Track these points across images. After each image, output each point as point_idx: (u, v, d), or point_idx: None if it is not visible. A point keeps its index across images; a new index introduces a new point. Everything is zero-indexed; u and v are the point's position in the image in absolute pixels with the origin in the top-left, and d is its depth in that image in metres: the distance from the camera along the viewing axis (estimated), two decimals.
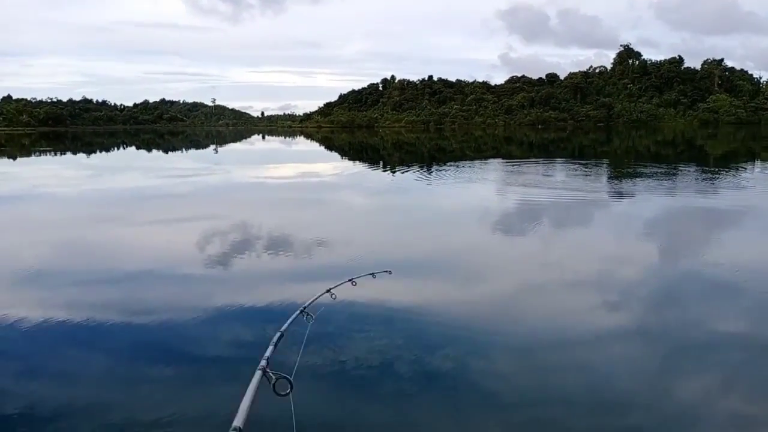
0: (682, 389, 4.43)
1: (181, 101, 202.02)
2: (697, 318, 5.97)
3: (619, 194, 16.05)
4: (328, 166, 27.24)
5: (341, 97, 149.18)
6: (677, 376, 4.63)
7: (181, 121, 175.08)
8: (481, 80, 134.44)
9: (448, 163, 27.00)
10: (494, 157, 32.91)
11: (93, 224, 12.45)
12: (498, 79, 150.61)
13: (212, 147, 54.87)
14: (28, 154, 42.51)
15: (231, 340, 5.62)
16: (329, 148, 51.61)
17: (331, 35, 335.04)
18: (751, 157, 31.09)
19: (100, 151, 47.09)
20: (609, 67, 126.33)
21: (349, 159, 35.40)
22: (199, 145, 60.70)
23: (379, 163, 30.96)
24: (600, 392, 4.40)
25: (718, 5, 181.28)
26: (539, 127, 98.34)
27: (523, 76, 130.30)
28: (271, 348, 2.24)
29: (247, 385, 1.90)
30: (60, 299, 6.94)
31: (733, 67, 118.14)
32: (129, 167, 30.64)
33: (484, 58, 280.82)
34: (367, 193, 17.31)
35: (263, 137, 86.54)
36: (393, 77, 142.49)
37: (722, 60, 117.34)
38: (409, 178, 21.44)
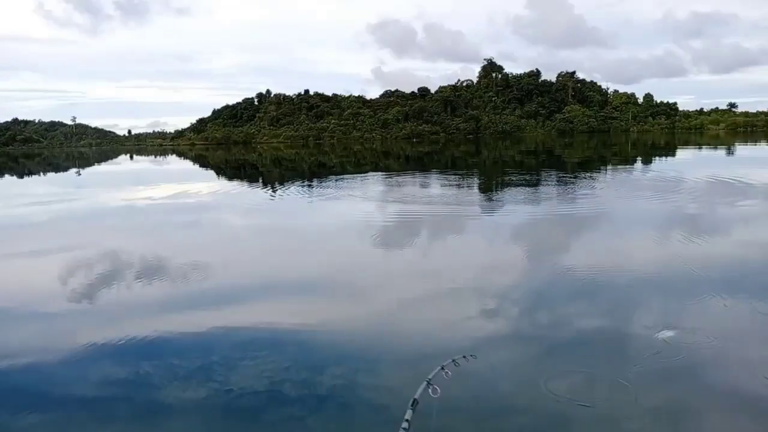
0: (558, 388, 4.77)
1: (37, 120, 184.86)
2: (564, 318, 6.47)
3: (490, 205, 16.99)
4: (203, 185, 26.26)
5: (215, 112, 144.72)
6: (552, 375, 4.99)
7: (37, 142, 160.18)
8: (356, 94, 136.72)
9: (330, 179, 27.12)
10: (374, 171, 33.56)
11: None
12: (372, 93, 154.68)
13: (74, 170, 50.78)
14: None
15: (102, 380, 5.23)
16: (204, 166, 49.81)
17: (200, 48, 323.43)
18: (603, 162, 34.35)
19: None
20: (475, 80, 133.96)
21: (226, 177, 34.39)
22: (59, 168, 55.93)
23: (258, 181, 30.38)
24: (485, 399, 4.63)
25: (566, 21, 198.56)
26: (414, 140, 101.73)
27: (397, 90, 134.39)
28: (409, 412, 2.08)
29: None
30: None
31: (584, 79, 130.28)
32: None
33: (357, 72, 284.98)
34: (246, 212, 16.91)
35: (131, 157, 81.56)
36: (269, 91, 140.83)
37: (574, 72, 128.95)
38: (291, 195, 21.26)
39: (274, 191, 23.28)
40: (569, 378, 4.88)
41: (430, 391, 2.40)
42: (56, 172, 48.96)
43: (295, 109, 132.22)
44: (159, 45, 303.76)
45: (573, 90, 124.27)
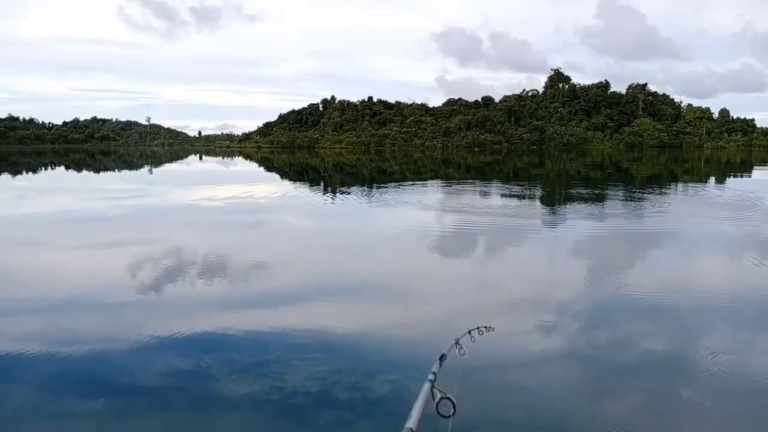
0: (613, 410, 4.61)
1: (114, 120, 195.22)
2: (627, 340, 6.25)
3: (552, 219, 16.62)
4: (267, 187, 26.94)
5: (281, 116, 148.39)
6: (609, 397, 4.83)
7: (113, 140, 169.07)
8: (419, 102, 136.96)
9: (389, 185, 27.28)
10: (434, 178, 33.50)
11: (17, 249, 11.82)
12: (435, 101, 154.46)
13: (147, 167, 53.23)
14: None
15: (164, 370, 5.45)
16: (269, 168, 51.13)
17: (269, 54, 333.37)
18: (674, 179, 32.98)
19: (27, 172, 44.81)
20: (541, 90, 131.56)
21: (290, 180, 35.18)
22: (133, 165, 58.77)
23: (319, 184, 30.90)
24: (538, 414, 4.53)
25: (638, 31, 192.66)
26: (476, 149, 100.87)
27: (460, 99, 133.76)
28: (437, 365, 2.12)
29: None
30: None
31: (655, 92, 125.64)
32: (57, 189, 29.31)
33: (421, 80, 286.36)
34: (306, 215, 17.22)
35: (200, 157, 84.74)
36: (333, 98, 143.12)
37: (646, 84, 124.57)
38: (350, 199, 21.51)
39: (334, 195, 23.62)
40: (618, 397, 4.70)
41: (457, 351, 2.37)
42: (130, 169, 51.43)
43: (359, 115, 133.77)
44: (230, 50, 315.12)
45: (644, 102, 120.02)
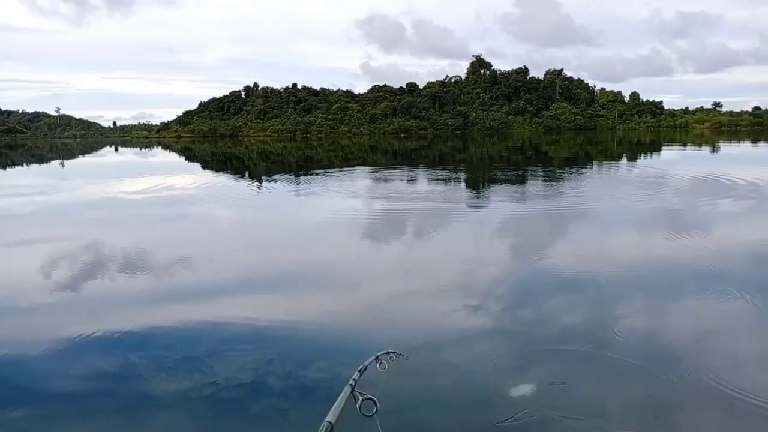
0: (539, 380, 4.85)
1: (20, 111, 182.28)
2: (548, 315, 6.56)
3: (476, 202, 17.09)
4: (189, 178, 26.10)
5: (201, 105, 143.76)
6: (533, 370, 5.07)
7: (20, 133, 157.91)
8: (344, 89, 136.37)
9: (316, 173, 27.09)
10: (361, 165, 33.56)
11: None
12: (360, 87, 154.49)
13: (58, 161, 50.19)
14: None
15: (88, 373, 5.23)
16: (190, 159, 49.47)
17: (187, 40, 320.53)
18: (589, 160, 34.64)
19: None
20: (463, 76, 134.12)
21: (212, 170, 34.19)
22: (43, 159, 55.25)
23: (244, 174, 30.26)
24: (468, 390, 4.70)
25: (554, 19, 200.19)
26: (402, 135, 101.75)
27: (385, 86, 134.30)
28: (357, 374, 2.16)
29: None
30: None
31: (571, 77, 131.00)
32: None
33: (346, 66, 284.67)
34: (231, 206, 16.86)
35: (116, 149, 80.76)
36: (256, 84, 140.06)
37: (562, 70, 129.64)
38: (277, 188, 21.22)
39: (260, 185, 23.21)
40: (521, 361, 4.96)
41: (378, 366, 2.46)
42: (40, 163, 48.38)
43: (283, 102, 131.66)
44: (145, 36, 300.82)
45: (560, 87, 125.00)
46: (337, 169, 29.83)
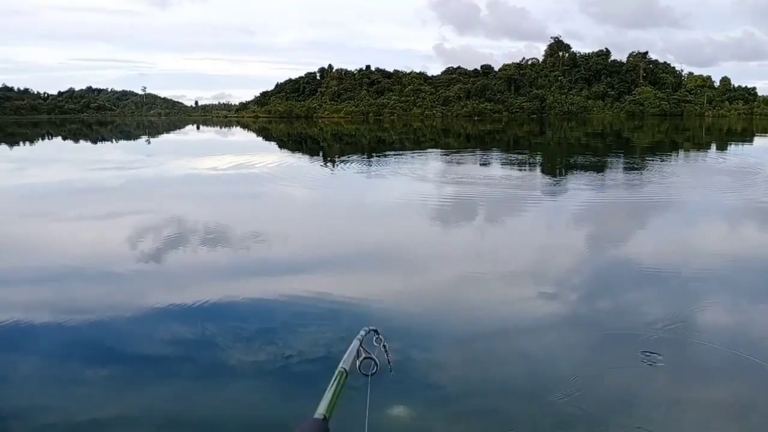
0: (616, 376, 4.65)
1: (110, 89, 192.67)
2: (626, 306, 6.28)
3: (552, 189, 16.60)
4: (266, 157, 26.78)
5: (278, 86, 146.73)
6: (611, 363, 4.87)
7: (110, 110, 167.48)
8: (417, 71, 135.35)
9: (388, 155, 27.14)
10: (433, 148, 33.32)
11: (17, 221, 11.80)
12: (433, 69, 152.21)
13: (144, 138, 52.86)
14: None
15: (168, 339, 5.48)
16: (267, 138, 50.80)
17: (264, 22, 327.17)
18: (675, 147, 32.85)
19: (24, 143, 44.48)
20: (540, 59, 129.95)
21: (288, 150, 34.97)
22: (131, 136, 58.34)
23: (318, 155, 30.75)
24: (539, 380, 4.57)
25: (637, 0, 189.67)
26: (475, 118, 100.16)
27: (459, 68, 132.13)
28: (363, 331, 2.23)
29: None
30: None
31: (656, 60, 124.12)
32: (56, 159, 29.14)
33: (419, 48, 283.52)
34: (305, 185, 17.17)
35: (198, 127, 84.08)
36: (330, 66, 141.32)
37: (646, 53, 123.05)
38: (349, 170, 21.42)
39: (333, 165, 23.52)
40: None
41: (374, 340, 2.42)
42: (128, 139, 51.07)
43: (356, 84, 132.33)
44: (224, 18, 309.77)
45: (644, 71, 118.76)
46: (408, 151, 29.76)
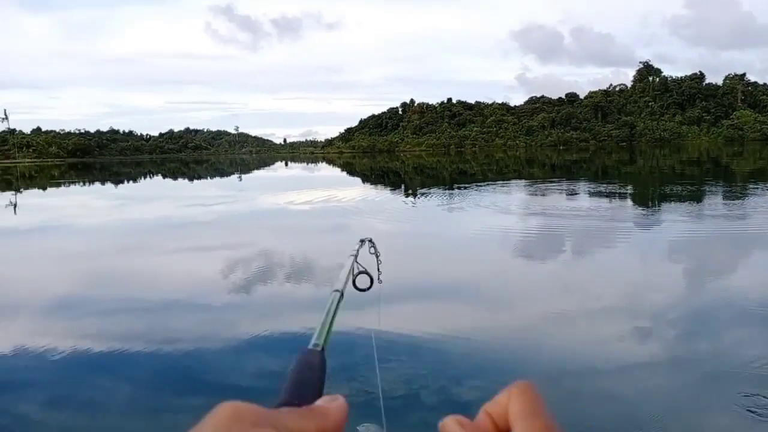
0: (714, 421, 4.32)
1: (205, 129, 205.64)
2: (727, 348, 5.83)
3: (644, 221, 15.85)
4: (350, 191, 27.40)
5: (361, 122, 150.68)
6: (709, 408, 4.52)
7: (205, 149, 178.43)
8: (500, 101, 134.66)
9: (470, 186, 26.99)
10: (517, 179, 32.81)
11: (120, 253, 12.67)
12: (516, 99, 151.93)
13: (236, 175, 55.66)
14: (58, 185, 43.57)
15: (257, 371, 5.65)
16: (351, 173, 52.00)
17: (349, 61, 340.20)
18: None
19: (128, 181, 48.10)
20: (629, 84, 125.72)
21: (371, 183, 35.60)
22: (224, 173, 61.63)
23: (400, 187, 31.07)
24: (631, 423, 4.32)
25: (733, 19, 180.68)
26: (561, 148, 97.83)
27: (543, 96, 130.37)
28: (359, 243, 2.17)
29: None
30: (88, 329, 7.06)
31: (755, 82, 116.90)
32: (155, 196, 31.23)
33: (501, 79, 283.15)
34: (386, 219, 17.35)
35: (286, 164, 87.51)
36: (412, 101, 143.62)
37: (744, 74, 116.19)
38: (430, 202, 21.47)
39: (414, 198, 23.66)
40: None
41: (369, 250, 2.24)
42: (221, 176, 53.95)
43: (438, 117, 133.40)
44: (311, 59, 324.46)
45: (743, 93, 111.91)
46: (491, 182, 29.45)
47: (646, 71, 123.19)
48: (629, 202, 19.92)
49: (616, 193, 22.45)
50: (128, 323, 7.33)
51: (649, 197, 21.22)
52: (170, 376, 5.61)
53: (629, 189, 24.62)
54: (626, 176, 32.89)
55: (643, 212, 16.80)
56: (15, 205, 27.04)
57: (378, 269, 2.04)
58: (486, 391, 3.98)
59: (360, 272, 1.97)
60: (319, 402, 0.50)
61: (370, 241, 2.15)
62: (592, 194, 21.66)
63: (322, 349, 1.50)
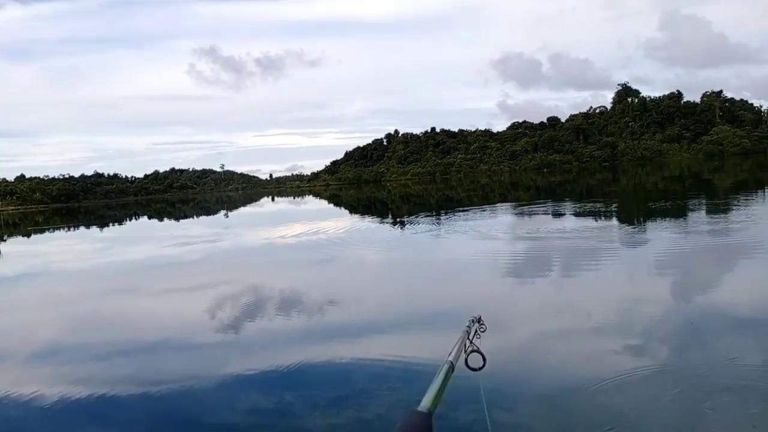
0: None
1: (191, 169, 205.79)
2: (720, 360, 5.82)
3: (630, 238, 15.97)
4: (336, 222, 27.36)
5: (347, 154, 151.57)
6: (707, 421, 4.49)
7: (191, 188, 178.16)
8: (482, 128, 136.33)
9: (456, 212, 27.08)
10: (502, 202, 33.01)
11: (106, 297, 12.49)
12: (498, 126, 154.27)
13: (223, 212, 55.46)
14: (42, 232, 43.10)
15: (249, 408, 5.54)
16: (337, 204, 52.02)
17: (332, 96, 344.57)
18: (761, 186, 30.98)
19: (113, 224, 47.67)
20: (608, 106, 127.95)
21: (358, 214, 35.60)
22: (210, 211, 61.40)
23: (387, 216, 31.10)
24: None
25: (706, 39, 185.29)
26: (544, 170, 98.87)
27: (525, 121, 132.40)
28: (470, 321, 2.15)
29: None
30: (77, 374, 6.91)
31: (732, 98, 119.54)
32: (141, 238, 30.98)
33: (482, 106, 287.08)
34: (374, 248, 17.31)
35: (272, 199, 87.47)
36: (396, 131, 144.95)
37: (721, 91, 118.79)
38: (417, 230, 21.48)
39: (402, 227, 23.66)
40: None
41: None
42: (207, 214, 53.72)
43: (422, 146, 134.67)
44: (295, 96, 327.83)
45: (721, 110, 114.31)
46: (477, 207, 29.58)
47: (625, 93, 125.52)
48: (614, 220, 20.07)
49: (601, 212, 22.60)
50: (118, 368, 7.17)
51: (633, 215, 21.41)
52: (161, 417, 5.49)
53: (614, 207, 24.83)
54: (610, 195, 33.22)
55: (629, 230, 16.90)
56: None
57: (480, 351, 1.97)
58: (481, 413, 3.87)
59: (472, 351, 1.94)
60: None
61: (479, 320, 2.15)
62: (577, 214, 21.79)
63: (429, 412, 1.46)
